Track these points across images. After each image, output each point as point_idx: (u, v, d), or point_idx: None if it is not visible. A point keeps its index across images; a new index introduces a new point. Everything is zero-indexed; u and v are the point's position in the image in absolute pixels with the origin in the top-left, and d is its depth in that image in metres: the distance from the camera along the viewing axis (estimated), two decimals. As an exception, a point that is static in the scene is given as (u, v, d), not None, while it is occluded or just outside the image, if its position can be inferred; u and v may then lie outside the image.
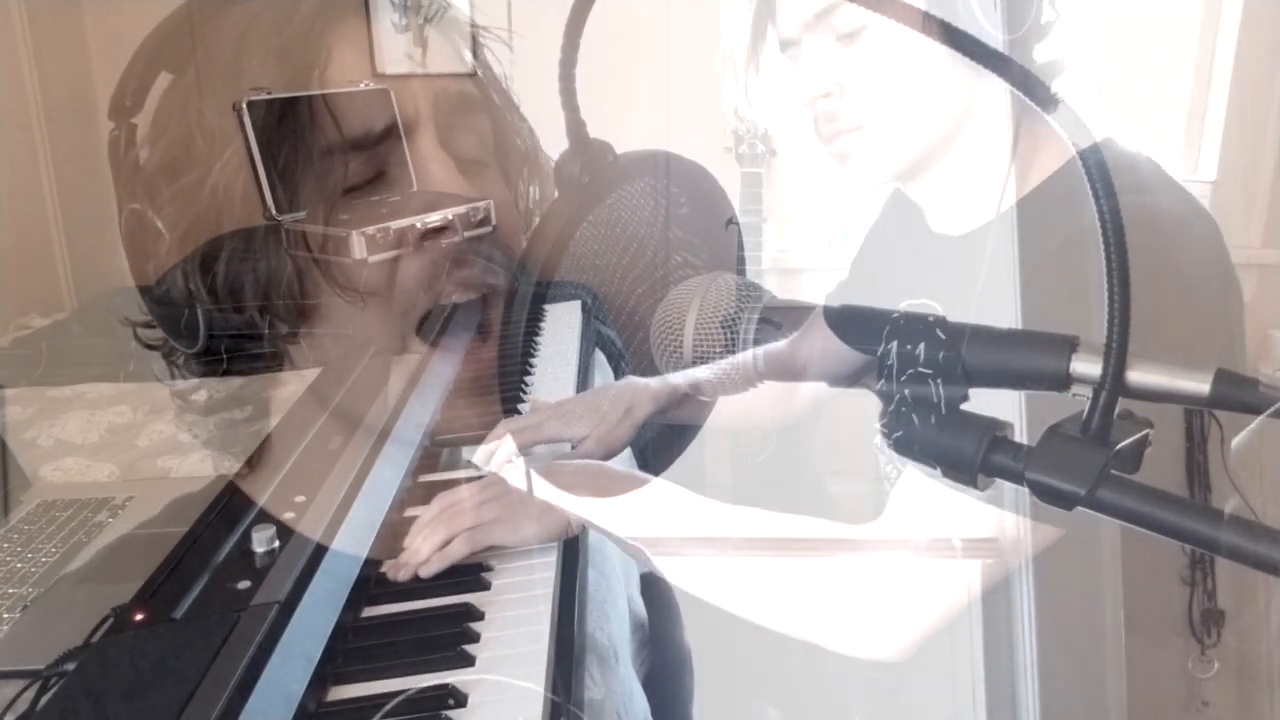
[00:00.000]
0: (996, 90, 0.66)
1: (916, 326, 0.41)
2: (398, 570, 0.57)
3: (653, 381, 0.74)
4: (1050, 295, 0.62)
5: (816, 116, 0.71)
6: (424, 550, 0.58)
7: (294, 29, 0.61)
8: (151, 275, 0.61)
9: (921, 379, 0.40)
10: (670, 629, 0.76)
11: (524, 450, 0.71)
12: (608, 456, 0.71)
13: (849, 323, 0.44)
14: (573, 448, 0.71)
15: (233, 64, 0.60)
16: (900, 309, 0.42)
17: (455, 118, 0.66)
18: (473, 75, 0.69)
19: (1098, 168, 0.36)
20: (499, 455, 0.70)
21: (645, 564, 0.66)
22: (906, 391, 0.40)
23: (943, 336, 0.40)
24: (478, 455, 0.69)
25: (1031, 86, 0.37)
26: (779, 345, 0.77)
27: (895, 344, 0.40)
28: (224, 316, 0.61)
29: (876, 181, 0.75)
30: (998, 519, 0.62)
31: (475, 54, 0.70)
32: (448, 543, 0.58)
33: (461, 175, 0.65)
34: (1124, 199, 0.36)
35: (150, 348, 0.65)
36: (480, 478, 0.69)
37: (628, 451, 0.75)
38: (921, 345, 0.40)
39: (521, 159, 0.73)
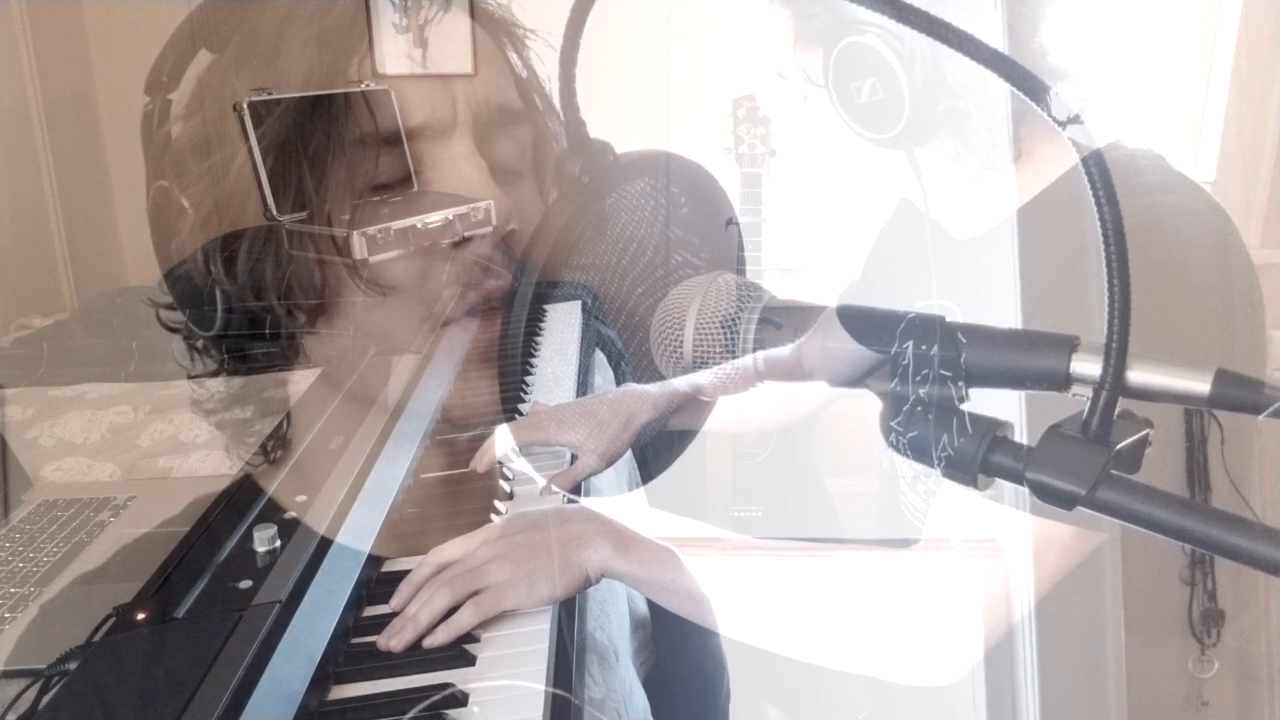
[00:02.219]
0: (901, 156, 0.69)
1: (921, 331, 0.41)
2: (393, 638, 0.52)
3: (651, 388, 0.74)
4: (1054, 296, 0.62)
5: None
6: (424, 618, 0.53)
7: (335, 16, 0.60)
8: (174, 253, 0.61)
9: (940, 379, 0.40)
10: (692, 634, 0.75)
11: (521, 450, 0.71)
12: (607, 466, 0.71)
13: (862, 322, 0.44)
14: (572, 457, 0.70)
15: (272, 47, 0.59)
16: (914, 310, 0.42)
17: (496, 128, 0.65)
18: (472, 75, 0.69)
19: (1099, 170, 0.36)
20: (494, 449, 0.69)
21: (689, 615, 0.63)
22: (922, 392, 0.40)
23: (946, 345, 0.40)
24: (476, 457, 0.69)
25: (1036, 90, 0.37)
26: (781, 348, 0.77)
27: (910, 344, 0.40)
28: (241, 298, 0.61)
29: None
30: (1040, 530, 0.62)
31: (521, 56, 0.69)
32: (451, 608, 0.53)
33: (494, 181, 0.65)
34: (1128, 201, 0.36)
35: (171, 329, 0.65)
36: (473, 473, 0.68)
37: (628, 453, 0.75)
38: (936, 346, 0.40)
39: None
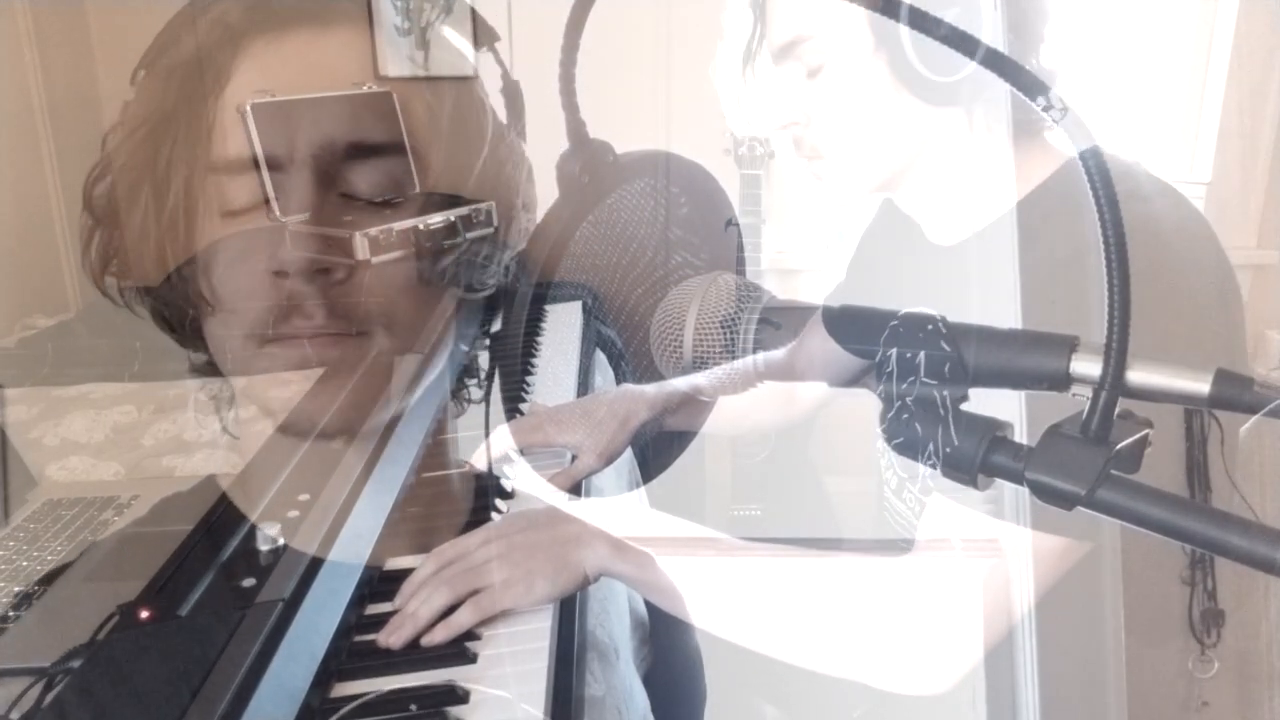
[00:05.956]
0: (958, 115, 0.68)
1: (916, 331, 0.41)
2: (392, 635, 0.53)
3: (649, 388, 0.75)
4: (1049, 298, 0.62)
5: (790, 141, 0.74)
6: (424, 615, 0.53)
7: (183, 50, 0.59)
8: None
9: (939, 379, 0.40)
10: (680, 633, 0.76)
11: (521, 450, 0.71)
12: (605, 465, 0.71)
13: (847, 326, 0.44)
14: (572, 457, 0.71)
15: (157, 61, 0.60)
16: (900, 313, 0.42)
17: (448, 155, 0.65)
18: (474, 78, 0.69)
19: (1098, 169, 0.36)
20: (492, 451, 0.70)
21: (683, 615, 0.63)
22: (908, 398, 0.40)
23: (945, 345, 0.40)
24: (475, 455, 0.69)
25: (1034, 89, 0.37)
26: (779, 351, 0.77)
27: (895, 350, 0.41)
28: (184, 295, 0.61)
29: (847, 200, 0.78)
30: (1033, 542, 0.61)
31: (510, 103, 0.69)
32: (451, 607, 0.54)
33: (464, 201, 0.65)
34: (1121, 205, 0.36)
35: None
36: (475, 473, 0.69)
37: (628, 453, 0.76)
38: (922, 352, 0.40)
39: (514, 192, 0.72)
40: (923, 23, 0.40)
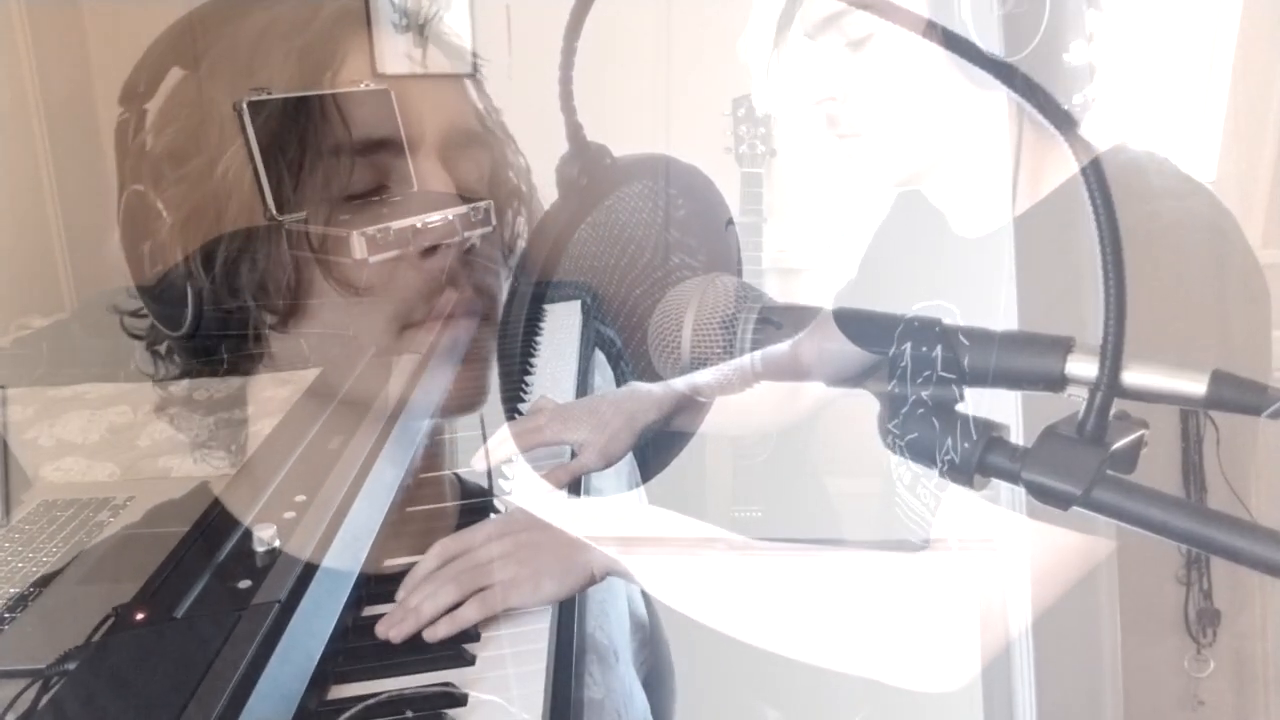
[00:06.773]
0: (1004, 100, 0.66)
1: (929, 329, 0.41)
2: (393, 628, 0.53)
3: (655, 388, 0.74)
4: (1054, 299, 0.62)
5: (823, 117, 0.72)
6: (428, 610, 0.53)
7: (312, 32, 0.61)
8: (148, 257, 0.61)
9: (939, 381, 0.40)
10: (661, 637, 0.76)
11: (524, 452, 0.71)
12: (608, 465, 0.71)
13: (858, 325, 0.44)
14: (573, 454, 0.70)
15: (247, 61, 0.60)
16: (913, 311, 0.42)
17: (459, 149, 0.66)
18: (473, 75, 0.69)
19: (1096, 173, 0.36)
20: (496, 453, 0.70)
21: (689, 612, 0.63)
22: (924, 394, 0.40)
23: (965, 341, 0.40)
24: (477, 456, 0.69)
25: (1036, 96, 0.37)
26: (779, 348, 0.77)
27: (909, 346, 0.41)
28: (216, 296, 0.61)
29: (877, 187, 0.76)
30: (1051, 537, 0.61)
31: (477, 87, 0.69)
32: (456, 603, 0.53)
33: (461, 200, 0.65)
34: (1133, 204, 0.36)
35: (135, 337, 0.65)
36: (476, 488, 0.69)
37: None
38: (939, 348, 0.40)
39: (512, 194, 0.72)
40: (958, 45, 0.40)
